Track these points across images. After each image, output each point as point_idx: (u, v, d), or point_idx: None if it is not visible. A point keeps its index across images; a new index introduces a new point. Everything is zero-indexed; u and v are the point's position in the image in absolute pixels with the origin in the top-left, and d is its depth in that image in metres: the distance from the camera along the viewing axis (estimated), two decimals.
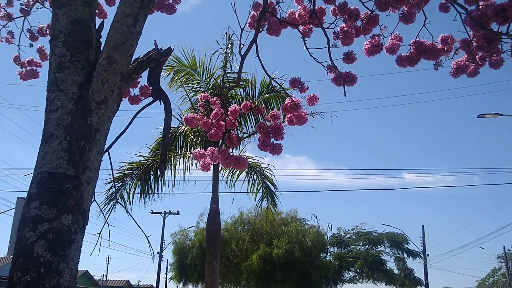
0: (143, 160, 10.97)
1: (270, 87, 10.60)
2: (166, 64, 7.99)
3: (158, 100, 3.31)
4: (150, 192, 10.89)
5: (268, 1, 3.33)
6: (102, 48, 2.72)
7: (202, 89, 10.88)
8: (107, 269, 63.40)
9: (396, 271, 29.85)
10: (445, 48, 3.09)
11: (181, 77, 10.80)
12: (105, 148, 2.74)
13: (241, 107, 3.55)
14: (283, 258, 23.54)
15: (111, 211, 10.05)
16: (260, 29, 3.32)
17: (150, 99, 3.36)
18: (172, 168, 11.21)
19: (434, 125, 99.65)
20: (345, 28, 3.16)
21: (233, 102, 10.57)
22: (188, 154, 11.24)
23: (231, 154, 3.46)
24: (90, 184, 2.49)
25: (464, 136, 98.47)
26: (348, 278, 30.24)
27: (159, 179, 10.89)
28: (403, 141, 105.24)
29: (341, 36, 3.17)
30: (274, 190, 11.85)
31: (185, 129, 11.08)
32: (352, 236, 31.77)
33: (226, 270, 25.07)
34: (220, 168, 11.37)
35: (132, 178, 10.73)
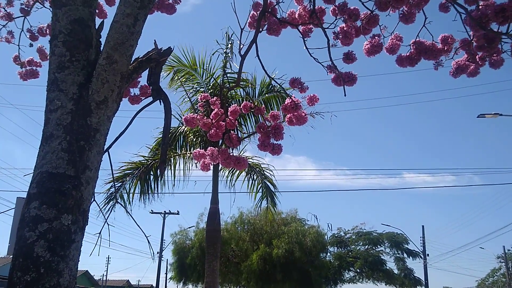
0: (143, 160, 10.97)
1: (270, 87, 10.60)
2: (166, 63, 7.99)
3: (158, 100, 3.31)
4: (150, 192, 10.89)
5: (268, 1, 3.32)
6: (102, 48, 2.72)
7: (202, 89, 10.88)
8: (107, 269, 63.47)
9: (396, 271, 29.88)
10: (445, 48, 3.09)
11: (181, 77, 10.80)
12: (105, 148, 2.74)
13: (241, 107, 3.55)
14: (283, 258, 23.54)
15: (111, 211, 10.06)
16: (260, 29, 3.32)
17: (150, 99, 3.36)
18: (172, 168, 11.22)
19: (434, 125, 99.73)
20: (345, 28, 3.16)
21: (233, 102, 10.58)
22: (188, 154, 11.25)
23: (231, 154, 3.46)
24: (90, 184, 2.49)
25: (464, 136, 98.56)
26: (348, 278, 30.27)
27: (159, 179, 10.89)
28: (403, 141, 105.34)
29: (341, 36, 3.17)
30: (273, 190, 11.86)
31: (185, 129, 11.08)
32: (352, 236, 31.78)
33: (226, 270, 25.07)
34: (220, 168, 11.37)
35: (132, 178, 10.74)
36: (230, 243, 25.22)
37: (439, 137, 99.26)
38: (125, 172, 10.77)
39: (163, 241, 34.13)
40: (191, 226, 29.11)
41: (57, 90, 2.54)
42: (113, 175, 6.74)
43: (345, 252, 31.09)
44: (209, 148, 3.45)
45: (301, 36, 3.37)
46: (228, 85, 9.85)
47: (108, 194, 10.25)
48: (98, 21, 2.95)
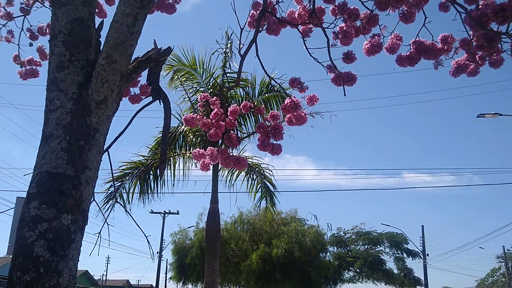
0: (143, 159, 10.96)
1: (269, 87, 10.59)
2: (166, 63, 7.99)
3: (158, 100, 3.31)
4: (149, 191, 10.89)
5: (268, 1, 3.32)
6: (101, 48, 2.72)
7: (202, 89, 10.88)
8: (107, 268, 63.11)
9: (395, 271, 29.90)
10: (445, 48, 3.09)
11: (180, 77, 10.80)
12: (104, 148, 2.74)
13: (240, 107, 3.55)
14: (282, 258, 23.54)
15: (110, 211, 10.05)
16: (260, 29, 3.31)
17: (150, 98, 3.36)
18: (172, 167, 11.22)
19: (434, 125, 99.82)
20: (344, 28, 3.16)
21: (232, 102, 10.58)
22: (188, 154, 11.24)
23: (231, 154, 3.46)
24: (90, 184, 2.49)
25: (464, 136, 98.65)
26: (347, 278, 30.28)
27: (159, 178, 10.89)
28: (403, 141, 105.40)
29: (340, 36, 3.17)
30: (273, 190, 11.86)
31: (185, 128, 11.07)
32: (352, 236, 31.78)
33: (225, 270, 25.07)
34: (219, 168, 11.37)
35: (131, 177, 10.74)
36: (229, 243, 25.23)
37: (439, 137, 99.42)
38: (125, 171, 10.77)
39: (163, 241, 34.16)
40: (191, 226, 29.16)
41: (57, 89, 2.54)
42: (112, 175, 6.74)
43: (345, 252, 31.10)
44: (209, 148, 3.45)
45: (300, 36, 3.37)
46: (227, 85, 9.84)
47: (108, 193, 10.26)
48: (97, 20, 2.95)
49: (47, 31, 4.11)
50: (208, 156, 3.45)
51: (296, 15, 3.32)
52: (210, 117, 3.54)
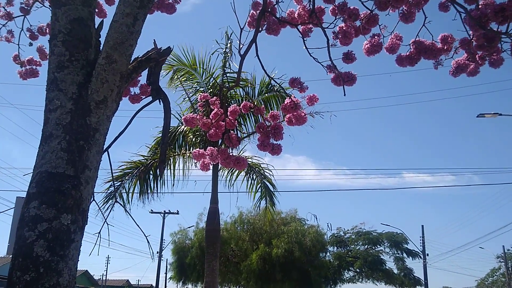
0: (142, 159, 10.96)
1: (269, 86, 10.59)
2: (166, 62, 7.99)
3: (158, 100, 3.31)
4: (149, 191, 10.88)
5: (268, 1, 3.32)
6: (101, 48, 2.72)
7: (202, 89, 10.88)
8: (107, 268, 63.03)
9: (395, 271, 29.92)
10: (445, 48, 3.09)
11: (180, 76, 10.79)
12: (104, 148, 2.74)
13: (240, 107, 3.55)
14: (282, 257, 23.54)
15: (110, 211, 10.04)
16: (260, 29, 3.31)
17: (150, 98, 3.36)
18: (172, 167, 11.21)
19: (434, 124, 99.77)
20: (344, 28, 3.16)
21: (232, 102, 10.57)
22: (188, 154, 11.24)
23: (231, 154, 3.46)
24: (90, 183, 2.49)
25: (464, 136, 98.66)
26: (347, 278, 30.30)
27: (159, 178, 10.89)
28: (403, 141, 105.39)
29: (340, 36, 3.17)
30: (273, 190, 11.86)
31: (185, 128, 11.07)
32: (352, 236, 31.79)
33: (225, 270, 25.08)
34: (219, 168, 11.37)
35: (131, 177, 10.73)
36: (229, 243, 25.23)
37: (439, 136, 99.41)
38: (125, 171, 10.76)
39: (163, 240, 34.18)
40: (191, 226, 29.16)
41: (57, 89, 2.54)
42: (112, 175, 6.73)
43: (345, 251, 31.11)
44: (209, 148, 3.45)
45: (300, 35, 3.37)
46: (227, 85, 9.84)
47: (108, 193, 10.26)
48: (97, 20, 2.95)
49: (47, 31, 4.11)
50: (208, 156, 3.45)
51: (296, 15, 3.32)
52: (210, 117, 3.54)
